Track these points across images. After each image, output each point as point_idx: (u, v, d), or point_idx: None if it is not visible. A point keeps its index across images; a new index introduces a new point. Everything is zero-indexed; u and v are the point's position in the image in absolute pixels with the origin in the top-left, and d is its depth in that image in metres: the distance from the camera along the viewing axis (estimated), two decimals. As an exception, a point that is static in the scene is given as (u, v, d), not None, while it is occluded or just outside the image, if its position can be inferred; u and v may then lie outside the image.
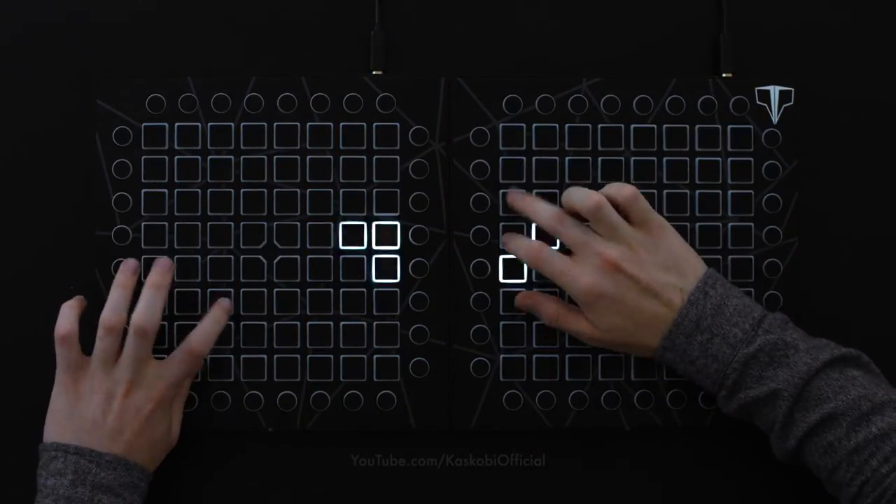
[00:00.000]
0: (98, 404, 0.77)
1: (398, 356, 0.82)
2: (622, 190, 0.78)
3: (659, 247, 0.78)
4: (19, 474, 0.80)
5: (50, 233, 0.84)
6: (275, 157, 0.83)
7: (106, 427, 0.76)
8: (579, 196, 0.78)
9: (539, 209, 0.79)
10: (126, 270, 0.80)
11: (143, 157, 0.83)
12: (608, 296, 0.76)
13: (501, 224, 0.83)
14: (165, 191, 0.82)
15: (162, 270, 0.79)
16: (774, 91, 0.84)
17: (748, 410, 0.76)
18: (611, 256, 0.76)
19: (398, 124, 0.83)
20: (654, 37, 0.86)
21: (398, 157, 0.83)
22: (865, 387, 0.74)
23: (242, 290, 0.82)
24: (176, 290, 0.82)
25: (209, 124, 0.83)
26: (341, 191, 0.83)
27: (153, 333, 0.78)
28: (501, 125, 0.83)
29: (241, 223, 0.83)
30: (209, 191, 0.83)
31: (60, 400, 0.78)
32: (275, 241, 0.83)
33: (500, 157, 0.83)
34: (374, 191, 0.83)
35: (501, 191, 0.83)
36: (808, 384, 0.74)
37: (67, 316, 0.78)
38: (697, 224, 0.83)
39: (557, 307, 0.80)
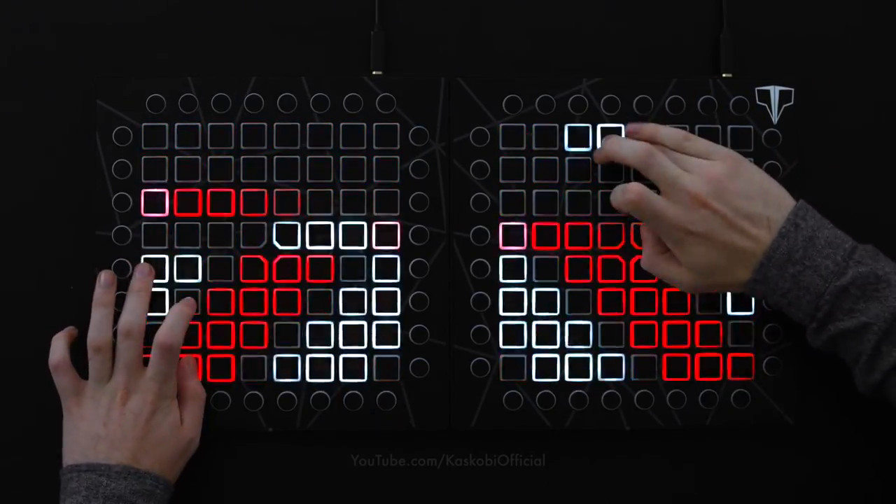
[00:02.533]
0: (99, 419, 0.77)
1: (398, 356, 0.82)
2: (676, 133, 0.79)
3: (743, 177, 0.78)
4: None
5: (50, 233, 0.84)
6: (275, 157, 0.83)
7: (108, 437, 0.77)
8: (668, 133, 0.79)
9: (624, 147, 0.79)
10: (103, 286, 0.81)
11: (143, 157, 0.83)
12: (697, 233, 0.76)
13: (501, 224, 0.83)
14: (165, 190, 0.82)
15: (142, 276, 0.81)
16: (774, 91, 0.84)
17: (836, 342, 0.77)
18: (699, 192, 0.76)
19: (398, 124, 0.83)
20: (654, 37, 0.86)
21: (398, 157, 0.83)
22: None
23: (242, 290, 0.82)
24: (176, 290, 0.82)
25: (209, 124, 0.83)
26: (341, 191, 0.83)
27: (139, 335, 0.79)
28: (501, 125, 0.83)
29: (241, 223, 0.83)
30: (209, 191, 0.83)
31: (68, 425, 0.79)
32: (275, 241, 0.83)
33: (500, 157, 0.83)
34: (374, 191, 0.83)
35: (500, 190, 0.83)
36: None
37: (56, 347, 0.80)
38: (697, 224, 0.83)
39: (657, 251, 0.80)
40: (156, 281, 0.82)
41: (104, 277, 0.81)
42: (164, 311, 0.82)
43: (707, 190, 0.76)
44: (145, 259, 0.82)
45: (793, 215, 0.77)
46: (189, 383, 0.81)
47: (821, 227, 0.77)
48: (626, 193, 0.78)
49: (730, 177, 0.77)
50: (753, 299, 0.83)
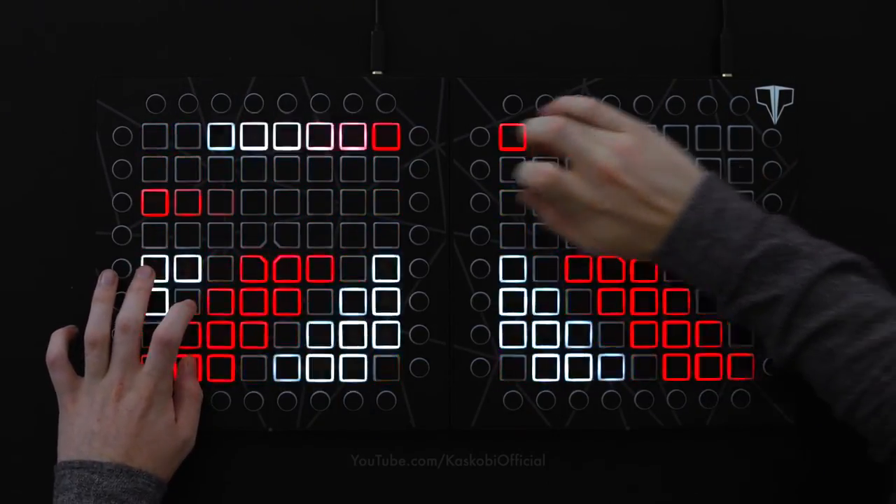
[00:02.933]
0: (94, 415, 0.77)
1: (398, 356, 0.82)
2: (587, 101, 0.78)
3: (652, 149, 0.77)
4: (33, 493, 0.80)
5: (50, 233, 0.84)
6: (275, 158, 0.83)
7: (101, 434, 0.76)
8: (576, 102, 0.78)
9: (536, 125, 0.78)
10: (104, 283, 0.81)
11: (143, 157, 0.83)
12: (604, 210, 0.75)
13: (501, 224, 0.83)
14: (165, 191, 0.82)
15: (143, 277, 0.81)
16: (774, 91, 0.84)
17: (747, 316, 0.75)
18: (609, 167, 0.75)
19: (398, 124, 0.83)
20: (654, 37, 0.86)
21: (398, 157, 0.83)
22: (867, 294, 0.73)
23: (242, 290, 0.82)
24: (176, 290, 0.82)
25: (209, 124, 0.83)
26: (341, 191, 0.83)
27: (136, 330, 0.79)
28: (501, 125, 0.83)
29: (241, 223, 0.83)
30: (209, 191, 0.83)
31: (64, 421, 0.79)
32: (275, 241, 0.83)
33: (500, 157, 0.83)
34: (374, 191, 0.83)
35: (500, 190, 0.83)
36: (810, 290, 0.72)
37: (55, 342, 0.80)
38: (697, 224, 0.83)
39: (559, 214, 0.79)
40: (156, 281, 0.82)
41: (105, 276, 0.81)
42: (164, 311, 0.82)
43: (617, 163, 0.75)
44: (145, 259, 0.82)
45: (702, 187, 0.75)
46: (187, 383, 0.81)
47: (730, 200, 0.75)
48: (538, 175, 0.77)
49: (640, 149, 0.76)
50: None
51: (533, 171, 0.77)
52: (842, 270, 0.73)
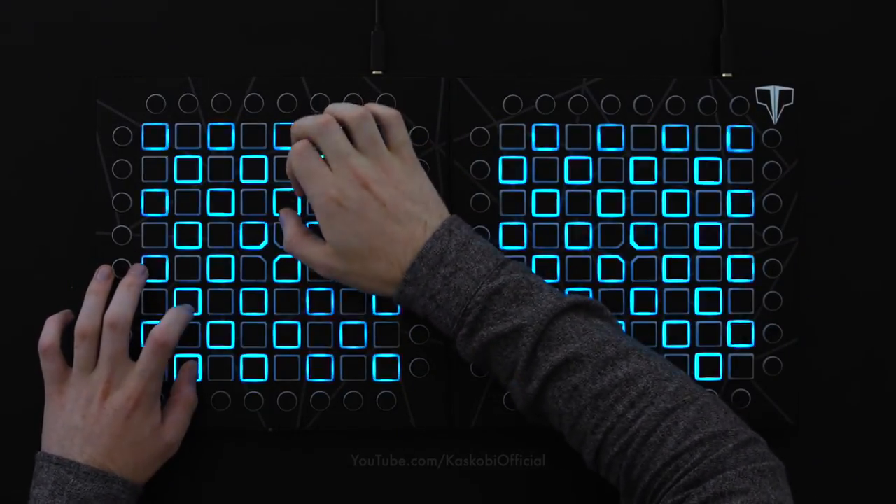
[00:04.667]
0: (78, 410, 0.77)
1: (398, 356, 0.82)
2: (390, 111, 0.77)
3: (412, 177, 0.76)
4: (21, 480, 0.80)
5: (50, 233, 0.84)
6: (275, 158, 0.83)
7: (85, 430, 0.76)
8: (345, 108, 0.76)
9: (306, 119, 0.76)
10: (99, 277, 0.80)
11: (143, 157, 0.83)
12: (350, 209, 0.74)
13: (501, 224, 0.83)
14: (165, 191, 0.83)
15: (135, 273, 0.81)
16: (774, 91, 0.84)
17: (488, 351, 0.73)
18: (363, 173, 0.74)
19: (398, 124, 0.83)
20: (654, 37, 0.86)
21: (398, 157, 0.83)
22: (610, 333, 0.72)
23: (242, 290, 0.82)
24: (176, 289, 0.82)
25: (209, 124, 0.83)
26: (341, 191, 0.83)
27: (125, 328, 0.78)
28: (501, 125, 0.83)
29: (241, 223, 0.83)
30: (209, 191, 0.83)
31: (49, 411, 0.79)
32: (275, 241, 0.83)
33: (500, 157, 0.83)
34: (374, 191, 0.83)
35: (501, 190, 0.83)
36: (553, 323, 0.71)
37: (49, 330, 0.79)
38: (697, 224, 0.83)
39: (296, 230, 0.78)
40: (156, 281, 0.82)
41: (102, 270, 0.81)
42: (163, 312, 0.82)
43: (375, 175, 0.75)
44: (145, 259, 0.82)
45: (447, 222, 0.75)
46: (184, 387, 0.81)
47: (473, 238, 0.75)
48: (293, 149, 0.76)
49: (398, 170, 0.76)
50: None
51: (351, 107, 0.76)
52: (584, 310, 0.73)
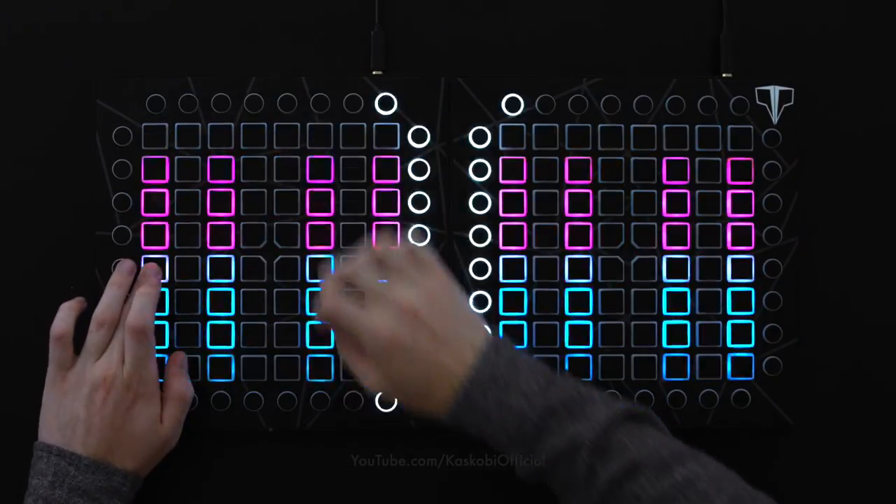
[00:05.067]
0: (81, 399, 0.77)
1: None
2: (391, 252, 0.76)
3: (451, 294, 0.76)
4: (18, 472, 0.80)
5: (50, 233, 0.84)
6: (275, 157, 0.83)
7: (86, 422, 0.76)
8: (360, 255, 0.76)
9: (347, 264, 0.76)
10: (122, 271, 0.81)
11: (143, 157, 0.83)
12: (404, 346, 0.73)
13: (501, 224, 0.83)
14: (165, 191, 0.82)
15: (152, 275, 0.81)
16: (774, 91, 0.84)
17: (548, 469, 0.73)
18: (409, 303, 0.74)
19: (398, 124, 0.83)
20: (654, 37, 0.86)
21: (398, 157, 0.83)
22: (662, 439, 0.72)
23: (242, 290, 0.82)
24: (176, 289, 0.82)
25: (209, 124, 0.83)
26: (341, 191, 0.83)
27: (149, 333, 0.78)
28: (501, 125, 0.83)
29: (241, 223, 0.83)
30: (209, 191, 0.83)
31: (50, 397, 0.78)
32: (275, 241, 0.83)
33: (500, 157, 0.83)
34: (374, 191, 0.83)
35: (501, 190, 0.83)
36: (608, 434, 0.71)
37: (64, 317, 0.79)
38: (697, 224, 0.83)
39: (349, 349, 0.77)
40: (156, 281, 0.82)
41: (126, 264, 0.81)
42: (163, 312, 0.82)
43: (420, 302, 0.74)
44: (145, 259, 0.82)
45: (492, 340, 0.74)
46: (174, 382, 0.80)
47: (519, 353, 0.75)
48: (319, 310, 0.76)
49: (440, 293, 0.75)
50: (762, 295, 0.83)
51: (319, 299, 0.76)
52: (635, 419, 0.73)
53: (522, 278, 0.83)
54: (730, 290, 0.83)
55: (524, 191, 0.83)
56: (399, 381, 0.74)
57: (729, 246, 0.83)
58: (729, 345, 0.83)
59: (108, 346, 0.78)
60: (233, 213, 0.83)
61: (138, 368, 0.77)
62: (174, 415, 0.80)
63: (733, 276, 0.83)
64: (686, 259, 0.83)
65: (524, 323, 0.83)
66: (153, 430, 0.78)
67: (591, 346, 0.83)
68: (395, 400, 0.77)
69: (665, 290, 0.83)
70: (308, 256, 0.82)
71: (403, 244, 0.76)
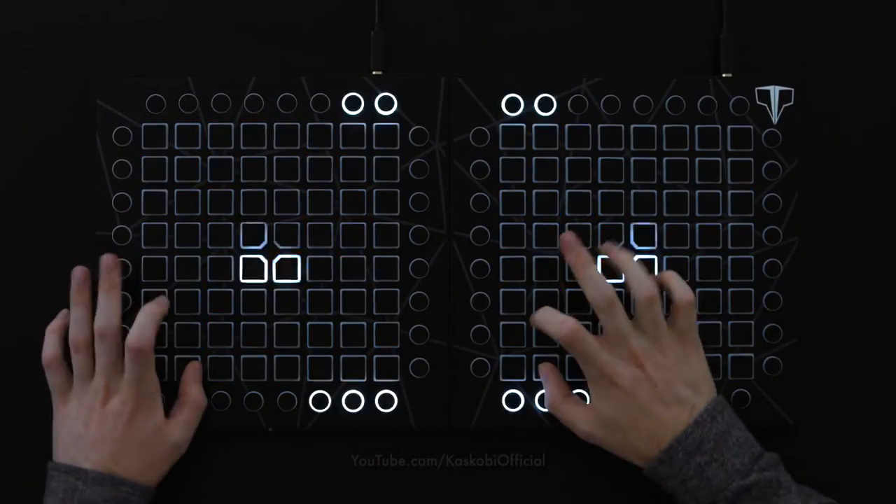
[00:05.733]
0: (81, 418, 0.78)
1: (398, 356, 0.82)
2: (685, 294, 0.78)
3: (687, 361, 0.78)
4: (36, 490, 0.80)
5: (50, 233, 0.84)
6: (275, 157, 0.83)
7: (89, 438, 0.77)
8: (639, 284, 0.78)
9: (591, 284, 0.78)
10: (77, 282, 0.80)
11: (143, 157, 0.83)
12: (622, 388, 0.76)
13: (501, 224, 0.83)
14: (165, 191, 0.83)
15: (107, 273, 0.79)
16: (774, 91, 0.84)
17: None
18: (641, 353, 0.76)
19: (398, 124, 0.83)
20: (654, 37, 0.86)
21: (398, 157, 0.83)
22: None
23: (242, 290, 0.82)
24: (175, 290, 0.82)
25: (209, 124, 0.83)
26: (341, 191, 0.83)
27: (114, 337, 0.78)
28: (501, 125, 0.83)
29: (241, 223, 0.83)
30: (209, 191, 0.83)
31: (56, 422, 0.79)
32: (275, 241, 0.83)
33: (500, 157, 0.83)
34: (374, 191, 0.83)
35: (501, 190, 0.83)
36: None
37: (49, 342, 0.80)
38: (697, 224, 0.83)
39: (559, 391, 0.80)
40: (155, 281, 0.82)
41: (77, 274, 0.80)
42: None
43: (651, 357, 0.76)
44: (145, 259, 0.82)
45: (712, 408, 0.77)
46: (189, 389, 0.81)
47: (734, 426, 0.77)
48: (560, 327, 0.78)
49: (681, 356, 0.77)
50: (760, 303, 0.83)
51: (555, 322, 0.78)
52: None
53: (522, 278, 0.83)
54: (730, 290, 0.83)
55: (524, 191, 0.83)
56: (610, 421, 0.78)
57: (729, 246, 0.83)
58: (729, 345, 0.83)
59: (96, 364, 0.78)
60: (233, 213, 0.83)
61: (137, 385, 0.78)
62: (188, 420, 0.80)
63: (733, 276, 0.83)
64: (686, 259, 0.83)
65: (524, 323, 0.83)
66: (158, 437, 0.79)
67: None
68: (601, 443, 0.79)
69: (665, 290, 0.83)
70: (308, 257, 0.82)
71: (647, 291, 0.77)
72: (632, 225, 0.83)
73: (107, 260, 0.80)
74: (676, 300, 0.78)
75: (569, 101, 0.83)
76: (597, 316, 0.78)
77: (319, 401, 0.82)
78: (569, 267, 0.80)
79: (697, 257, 0.83)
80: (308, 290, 0.82)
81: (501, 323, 0.83)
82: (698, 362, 0.79)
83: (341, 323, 0.82)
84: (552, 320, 0.79)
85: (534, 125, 0.83)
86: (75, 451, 0.77)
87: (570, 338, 0.77)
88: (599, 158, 0.83)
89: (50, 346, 0.80)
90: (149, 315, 0.79)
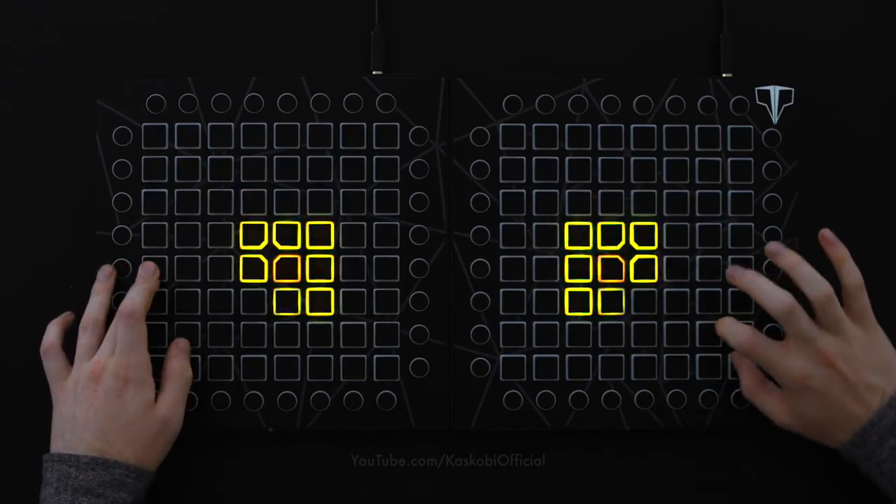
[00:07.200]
0: (76, 398, 0.77)
1: (398, 356, 0.82)
2: (854, 279, 0.79)
3: (873, 346, 0.79)
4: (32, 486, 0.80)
5: (50, 233, 0.84)
6: (275, 157, 0.83)
7: (82, 418, 0.76)
8: (814, 284, 0.78)
9: (767, 296, 0.79)
10: (102, 278, 0.81)
11: (143, 157, 0.83)
12: (815, 388, 0.77)
13: (501, 224, 0.83)
14: (165, 191, 0.83)
15: (146, 273, 0.81)
16: (774, 91, 0.84)
17: None
18: (829, 352, 0.77)
19: (398, 124, 0.83)
20: (654, 37, 0.86)
21: (398, 157, 0.83)
22: None
23: (242, 290, 0.82)
24: (176, 289, 0.82)
25: (209, 124, 0.83)
26: (341, 191, 0.83)
27: (139, 318, 0.78)
28: (501, 125, 0.83)
29: (241, 223, 0.83)
30: (209, 191, 0.83)
31: (55, 411, 0.79)
32: (275, 241, 0.83)
33: (500, 157, 0.83)
34: (374, 191, 0.83)
35: (501, 190, 0.83)
36: None
37: (50, 332, 0.80)
38: (697, 224, 0.83)
39: (754, 380, 0.81)
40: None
41: (105, 270, 0.81)
42: (164, 312, 0.82)
43: (839, 352, 0.77)
44: (145, 259, 0.82)
45: None
46: (174, 363, 0.80)
47: None
48: (738, 336, 0.79)
49: (860, 344, 0.78)
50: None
51: (734, 333, 0.80)
52: None
53: (522, 278, 0.83)
54: (730, 289, 0.83)
55: (524, 191, 0.83)
56: (804, 416, 0.79)
57: (729, 246, 0.83)
58: (729, 345, 0.83)
59: (116, 342, 0.78)
60: (233, 213, 0.83)
61: (128, 354, 0.77)
62: (174, 394, 0.79)
63: (733, 276, 0.83)
64: (686, 259, 0.83)
65: (524, 323, 0.83)
66: (148, 414, 0.78)
67: (591, 346, 0.83)
68: (798, 431, 0.81)
69: (665, 289, 0.83)
70: (308, 257, 0.82)
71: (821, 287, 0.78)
72: (632, 225, 0.83)
73: (150, 265, 0.81)
74: (847, 285, 0.79)
75: (569, 101, 0.83)
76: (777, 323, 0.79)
77: (319, 401, 0.82)
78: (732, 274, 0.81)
79: (697, 257, 0.83)
80: (308, 290, 0.82)
81: (501, 323, 0.83)
82: (883, 343, 0.80)
83: (341, 323, 0.82)
84: (730, 331, 0.80)
85: (534, 125, 0.83)
86: (71, 435, 0.76)
87: (749, 346, 0.79)
88: (599, 158, 0.83)
89: (49, 335, 0.80)
90: (141, 285, 0.80)
